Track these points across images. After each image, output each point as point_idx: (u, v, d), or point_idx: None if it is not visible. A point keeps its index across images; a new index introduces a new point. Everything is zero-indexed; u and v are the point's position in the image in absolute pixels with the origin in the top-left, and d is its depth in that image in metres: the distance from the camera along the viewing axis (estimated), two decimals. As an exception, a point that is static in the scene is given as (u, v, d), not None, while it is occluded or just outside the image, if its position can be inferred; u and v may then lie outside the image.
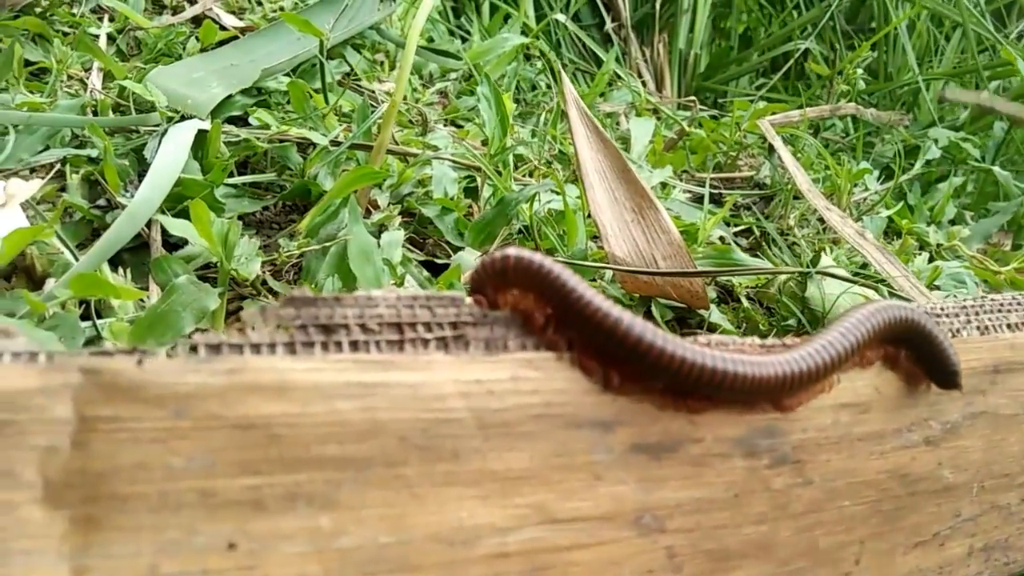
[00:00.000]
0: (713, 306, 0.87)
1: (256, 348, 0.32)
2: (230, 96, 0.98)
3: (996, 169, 1.53)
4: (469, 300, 0.36)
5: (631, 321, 0.35)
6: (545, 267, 0.36)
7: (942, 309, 0.49)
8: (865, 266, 0.91)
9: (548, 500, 0.35)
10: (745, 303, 0.89)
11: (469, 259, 0.85)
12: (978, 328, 0.48)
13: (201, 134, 0.87)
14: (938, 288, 1.02)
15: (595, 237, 0.94)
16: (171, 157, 0.77)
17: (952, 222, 1.50)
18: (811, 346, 0.38)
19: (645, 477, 0.37)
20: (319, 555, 0.31)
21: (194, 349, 0.31)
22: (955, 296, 1.00)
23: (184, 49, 1.12)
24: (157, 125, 0.88)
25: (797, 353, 0.38)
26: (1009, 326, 0.50)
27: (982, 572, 0.51)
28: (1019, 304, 0.52)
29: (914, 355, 0.42)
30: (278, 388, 0.31)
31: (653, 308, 0.86)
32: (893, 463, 0.44)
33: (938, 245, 1.24)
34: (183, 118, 0.89)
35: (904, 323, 0.41)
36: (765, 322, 0.86)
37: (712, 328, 0.84)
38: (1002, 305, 0.51)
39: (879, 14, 2.38)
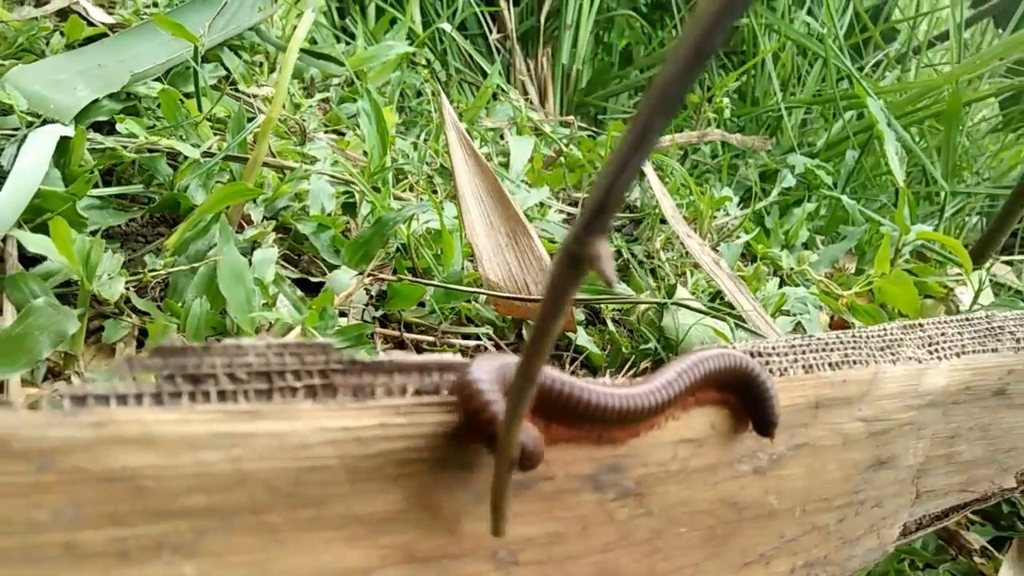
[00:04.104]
0: (580, 328, 0.91)
1: (122, 399, 0.33)
2: (96, 100, 0.94)
3: (844, 199, 1.67)
4: (340, 348, 0.38)
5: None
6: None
7: (773, 348, 0.54)
8: (720, 293, 0.97)
9: (412, 539, 0.37)
10: (611, 326, 0.94)
11: (345, 278, 0.86)
12: (803, 367, 0.54)
13: (63, 140, 0.84)
14: (787, 313, 1.10)
15: (471, 257, 0.97)
16: (30, 168, 0.74)
17: (805, 245, 1.62)
18: (647, 386, 0.42)
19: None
20: (182, 602, 0.32)
21: (60, 402, 0.31)
22: (799, 319, 1.09)
23: (48, 45, 1.07)
24: (16, 129, 0.84)
25: (636, 390, 0.42)
26: (831, 364, 0.56)
27: (803, 584, 0.57)
28: (841, 343, 0.58)
29: (743, 399, 0.47)
30: (144, 440, 0.32)
31: (524, 330, 0.89)
32: (725, 492, 0.49)
33: (790, 269, 1.34)
34: (45, 122, 0.86)
35: (739, 371, 0.46)
36: (628, 344, 0.91)
37: (579, 350, 0.89)
38: (826, 344, 0.57)
39: (748, 39, 2.52)
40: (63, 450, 0.31)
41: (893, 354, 0.60)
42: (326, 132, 1.32)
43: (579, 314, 0.95)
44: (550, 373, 0.39)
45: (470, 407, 0.36)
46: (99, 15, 1.20)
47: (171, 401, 0.33)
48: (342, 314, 0.83)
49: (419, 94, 1.78)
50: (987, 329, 0.68)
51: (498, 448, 0.35)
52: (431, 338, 0.87)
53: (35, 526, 0.30)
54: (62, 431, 0.31)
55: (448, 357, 0.40)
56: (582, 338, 0.89)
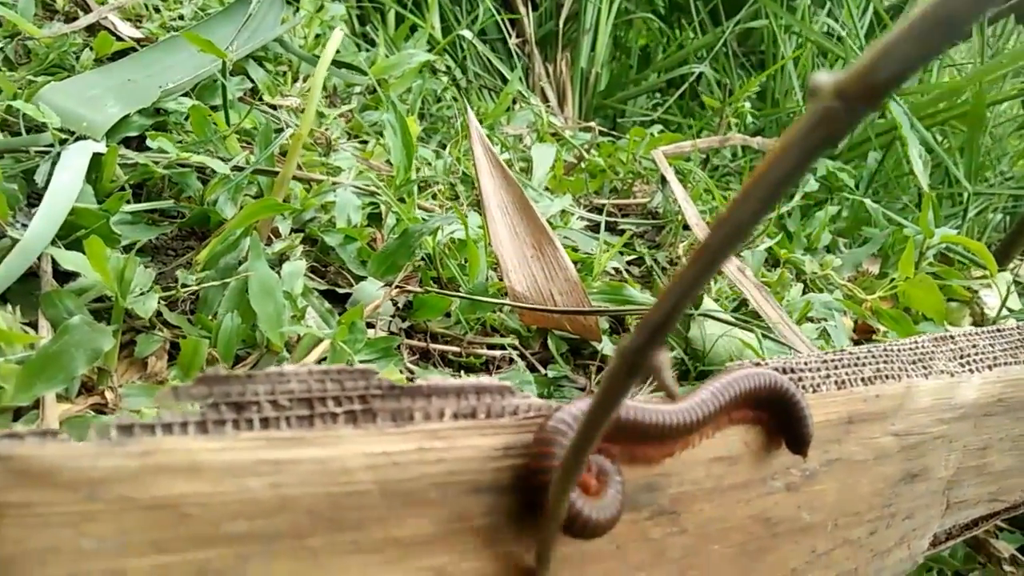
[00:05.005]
0: (605, 337, 0.91)
1: (168, 428, 0.33)
2: (127, 116, 0.96)
3: (868, 202, 1.65)
4: (379, 373, 0.38)
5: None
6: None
7: (806, 364, 0.54)
8: (745, 300, 0.97)
9: (447, 562, 0.38)
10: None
11: (371, 289, 0.86)
12: (836, 383, 0.54)
13: (95, 156, 0.85)
14: (812, 320, 1.10)
15: (495, 267, 0.97)
16: (65, 186, 0.75)
17: (827, 248, 1.61)
18: (682, 404, 0.42)
19: (536, 534, 0.40)
20: (227, 627, 0.33)
21: (107, 431, 0.32)
22: (824, 326, 1.08)
23: (78, 61, 1.09)
24: (49, 146, 0.86)
25: (671, 408, 0.42)
26: (863, 380, 0.55)
27: (835, 599, 0.56)
28: (873, 357, 0.58)
29: (777, 418, 0.47)
30: (190, 469, 0.32)
31: (549, 340, 0.89)
32: (758, 508, 0.49)
33: (813, 273, 1.34)
34: (77, 139, 0.87)
35: (773, 390, 0.46)
36: (654, 353, 0.91)
37: (604, 359, 0.89)
38: (858, 359, 0.57)
39: (768, 40, 2.51)
40: (111, 479, 0.31)
41: (925, 367, 0.60)
42: (349, 140, 1.33)
43: (604, 323, 0.95)
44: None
45: (534, 467, 0.38)
46: (127, 30, 1.22)
47: (215, 429, 0.34)
48: (369, 325, 0.84)
49: (439, 99, 1.79)
50: (1019, 340, 0.68)
51: (544, 513, 0.36)
52: (457, 348, 0.87)
53: (82, 554, 0.31)
54: (110, 461, 0.31)
55: (485, 380, 0.40)
56: (607, 347, 0.89)
